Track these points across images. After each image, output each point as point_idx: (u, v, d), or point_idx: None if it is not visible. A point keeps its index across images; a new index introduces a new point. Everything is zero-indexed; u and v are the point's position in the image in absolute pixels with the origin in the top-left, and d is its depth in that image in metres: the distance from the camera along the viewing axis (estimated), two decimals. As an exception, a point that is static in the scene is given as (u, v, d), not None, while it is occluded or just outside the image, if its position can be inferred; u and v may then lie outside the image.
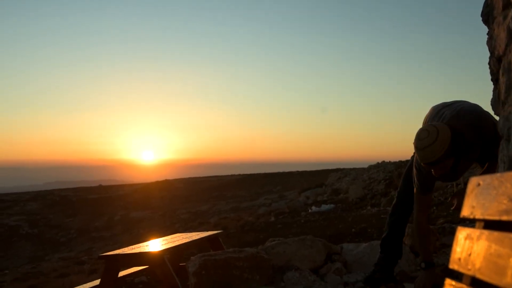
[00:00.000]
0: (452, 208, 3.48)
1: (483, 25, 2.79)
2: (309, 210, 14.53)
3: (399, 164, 20.11)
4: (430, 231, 3.45)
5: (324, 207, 14.56)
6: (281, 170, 48.37)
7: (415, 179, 3.32)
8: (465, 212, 1.32)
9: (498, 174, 1.21)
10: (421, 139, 2.91)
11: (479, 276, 1.17)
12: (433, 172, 3.01)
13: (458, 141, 2.91)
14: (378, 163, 24.34)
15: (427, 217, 3.40)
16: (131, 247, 4.37)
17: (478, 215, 1.26)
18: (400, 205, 3.69)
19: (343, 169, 32.89)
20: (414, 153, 3.60)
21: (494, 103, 2.65)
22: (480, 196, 1.27)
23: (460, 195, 3.37)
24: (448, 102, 3.28)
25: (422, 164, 2.99)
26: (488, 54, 2.73)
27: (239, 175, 49.60)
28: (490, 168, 3.20)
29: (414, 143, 2.96)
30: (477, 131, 3.01)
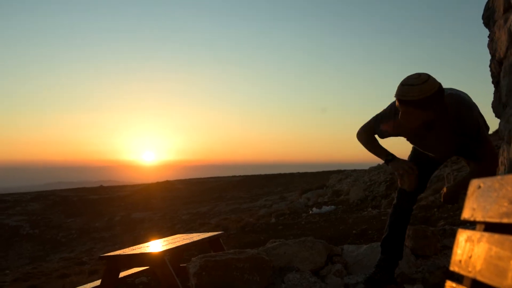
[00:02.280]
0: (442, 200, 3.56)
1: (484, 27, 2.80)
2: (310, 212, 14.52)
3: (400, 166, 20.03)
4: (373, 138, 3.53)
5: (325, 208, 14.55)
6: (282, 172, 48.41)
7: (379, 117, 3.38)
8: (466, 214, 1.33)
9: (498, 177, 1.22)
10: (410, 77, 2.96)
11: (479, 278, 1.17)
12: (399, 116, 3.04)
13: (438, 101, 2.93)
14: (379, 164, 24.30)
15: (369, 133, 3.48)
16: (131, 247, 4.38)
17: (478, 218, 1.26)
18: (400, 205, 3.69)
19: (344, 170, 32.88)
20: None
21: (495, 105, 2.66)
22: (480, 198, 1.27)
23: (451, 187, 3.46)
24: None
25: (396, 97, 3.00)
26: (489, 57, 2.74)
27: (240, 176, 49.61)
28: (476, 169, 3.24)
29: (403, 79, 3.00)
30: (461, 114, 3.04)
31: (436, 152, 3.37)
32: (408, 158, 3.65)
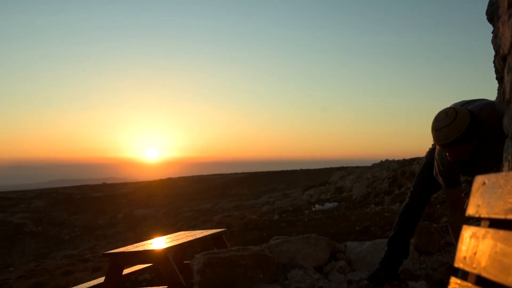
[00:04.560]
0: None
1: (488, 23, 2.79)
2: (313, 209, 14.53)
3: (403, 163, 20.06)
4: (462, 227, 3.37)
5: (328, 205, 14.55)
6: (284, 169, 48.41)
7: (438, 173, 3.29)
8: (471, 210, 1.33)
9: (503, 173, 1.21)
10: (438, 120, 2.89)
11: (484, 274, 1.17)
12: (448, 157, 2.98)
13: (476, 127, 2.87)
14: (381, 161, 24.29)
15: (461, 212, 3.27)
16: (135, 245, 4.39)
17: (483, 214, 1.26)
18: (411, 205, 3.66)
19: (347, 167, 32.87)
20: (429, 149, 3.60)
21: (499, 102, 2.65)
22: (485, 195, 1.27)
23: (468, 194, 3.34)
24: (468, 100, 3.22)
25: (436, 144, 2.94)
26: (493, 53, 2.73)
27: (243, 173, 49.65)
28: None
29: (432, 124, 2.93)
30: (499, 119, 2.90)
31: (487, 169, 3.28)
32: (428, 154, 3.54)
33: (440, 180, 3.30)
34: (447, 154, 2.97)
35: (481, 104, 3.06)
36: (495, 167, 3.26)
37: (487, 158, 3.11)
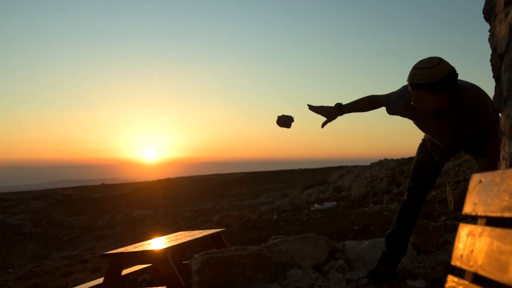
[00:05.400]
0: (451, 208, 3.44)
1: (485, 22, 2.80)
2: (312, 208, 14.54)
3: (401, 162, 20.10)
4: (369, 102, 3.51)
5: (327, 204, 14.57)
6: (283, 168, 48.46)
7: (390, 100, 3.33)
8: (467, 209, 1.33)
9: (500, 171, 1.21)
10: (421, 61, 2.91)
11: (481, 272, 1.17)
12: (412, 100, 2.99)
13: (449, 87, 2.88)
14: (380, 160, 24.34)
15: (373, 100, 3.46)
16: (134, 245, 4.39)
17: (480, 212, 1.26)
18: (409, 202, 3.67)
19: (346, 166, 32.92)
20: (420, 144, 3.66)
21: (496, 100, 2.65)
22: (482, 193, 1.27)
23: (458, 195, 3.35)
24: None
25: (407, 81, 2.96)
26: (490, 51, 2.74)
27: (242, 173, 49.67)
28: (484, 165, 3.19)
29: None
30: (477, 105, 2.97)
31: (442, 141, 3.33)
32: (418, 150, 3.62)
33: (391, 105, 3.34)
34: (412, 97, 2.98)
35: (471, 85, 3.09)
36: (449, 148, 3.33)
37: (443, 128, 3.14)
